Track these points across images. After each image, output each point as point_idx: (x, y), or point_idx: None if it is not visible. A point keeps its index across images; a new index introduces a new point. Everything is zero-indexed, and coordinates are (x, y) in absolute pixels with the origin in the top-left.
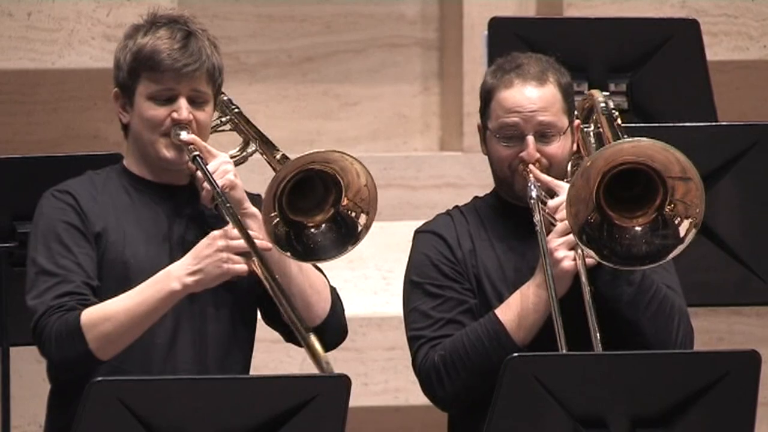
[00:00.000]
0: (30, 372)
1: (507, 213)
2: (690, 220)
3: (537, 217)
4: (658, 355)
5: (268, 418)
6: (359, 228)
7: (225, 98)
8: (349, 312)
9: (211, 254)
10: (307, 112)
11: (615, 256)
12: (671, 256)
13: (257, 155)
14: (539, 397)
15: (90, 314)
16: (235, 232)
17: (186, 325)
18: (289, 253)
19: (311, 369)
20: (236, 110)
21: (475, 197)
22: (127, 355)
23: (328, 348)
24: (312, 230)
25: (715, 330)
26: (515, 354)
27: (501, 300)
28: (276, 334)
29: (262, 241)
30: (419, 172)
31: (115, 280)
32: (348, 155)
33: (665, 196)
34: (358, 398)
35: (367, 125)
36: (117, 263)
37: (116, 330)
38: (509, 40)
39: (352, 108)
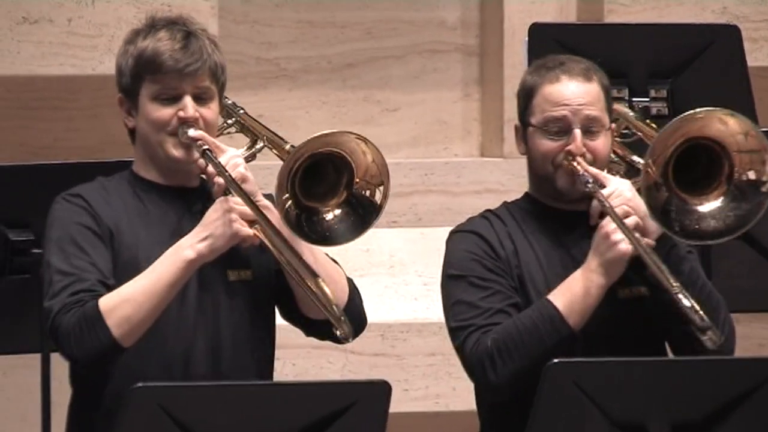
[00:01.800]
0: None
1: (544, 216)
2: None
3: (599, 201)
4: (698, 361)
5: (308, 424)
6: (378, 201)
7: (229, 102)
8: (389, 318)
9: (219, 217)
10: (348, 118)
11: (693, 234)
12: (754, 222)
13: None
14: (579, 403)
15: (107, 300)
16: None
17: (200, 325)
18: (301, 237)
19: (352, 375)
20: (242, 111)
21: (504, 202)
22: (144, 358)
23: (339, 342)
24: (327, 216)
25: (755, 336)
26: (555, 360)
27: None
28: (317, 341)
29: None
30: (460, 177)
31: (128, 281)
32: (353, 134)
33: (731, 167)
34: (398, 404)
35: (408, 131)
36: (130, 265)
37: (136, 311)
38: (549, 46)
39: (393, 114)
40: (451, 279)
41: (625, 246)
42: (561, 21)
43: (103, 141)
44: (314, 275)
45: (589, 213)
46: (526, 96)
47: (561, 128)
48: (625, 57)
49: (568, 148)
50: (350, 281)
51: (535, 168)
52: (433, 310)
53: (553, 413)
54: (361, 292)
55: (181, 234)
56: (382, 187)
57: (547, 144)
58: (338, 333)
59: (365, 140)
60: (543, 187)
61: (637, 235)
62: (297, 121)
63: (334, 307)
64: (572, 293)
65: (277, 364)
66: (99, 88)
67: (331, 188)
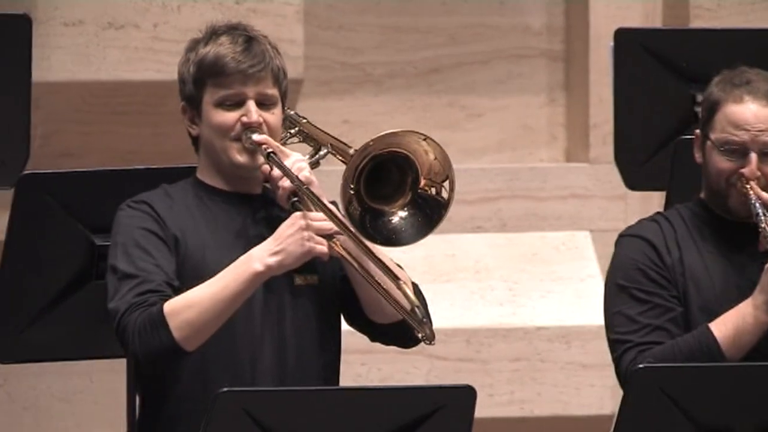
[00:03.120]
0: None
1: (715, 224)
2: None
3: (763, 233)
4: None
5: (393, 429)
6: (445, 197)
7: (291, 112)
8: (474, 323)
9: (294, 233)
10: (433, 123)
11: None
12: None
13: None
14: (665, 409)
15: (173, 303)
16: (316, 214)
17: (266, 330)
18: (366, 238)
19: (436, 380)
20: (304, 120)
21: (676, 206)
22: (211, 362)
23: (405, 346)
24: (393, 218)
25: None
26: (640, 365)
27: (704, 310)
28: None
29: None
30: (545, 183)
31: (194, 285)
32: (414, 133)
33: None
34: (483, 409)
35: (493, 136)
36: (196, 269)
37: (200, 316)
38: (635, 51)
39: (478, 119)
40: (614, 287)
41: None
42: (646, 26)
43: (189, 146)
44: (396, 278)
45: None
46: (710, 108)
47: (738, 150)
48: (711, 62)
49: (742, 171)
50: (415, 286)
51: (709, 181)
52: (519, 316)
53: (638, 419)
54: (425, 296)
55: (247, 239)
56: (447, 183)
57: (722, 163)
58: (420, 335)
59: (426, 138)
60: (715, 199)
61: None
62: (382, 126)
63: (417, 309)
64: (734, 326)
65: (362, 370)
66: None
67: (397, 189)
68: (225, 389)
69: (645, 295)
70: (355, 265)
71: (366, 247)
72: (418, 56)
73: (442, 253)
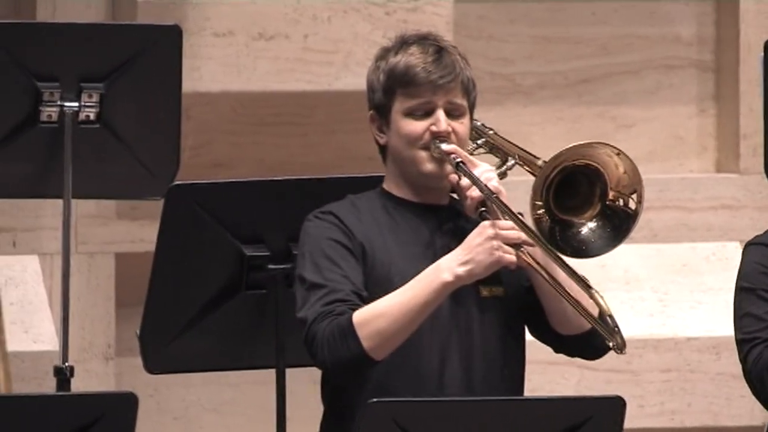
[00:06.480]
0: (305, 393)
1: None
2: None
3: None
4: None
5: None
6: (633, 208)
7: (478, 123)
8: (625, 334)
9: (482, 242)
10: (583, 133)
11: None
12: None
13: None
14: None
15: (362, 313)
16: (505, 223)
17: (453, 341)
18: (555, 249)
19: (586, 390)
20: (491, 131)
21: None
22: (397, 373)
23: (590, 358)
24: (582, 229)
25: None
26: None
27: None
28: (553, 355)
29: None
30: (695, 194)
31: (380, 297)
32: (603, 144)
33: None
34: (633, 420)
35: (643, 147)
36: (383, 281)
37: (390, 326)
38: None
39: (628, 130)
40: (741, 291)
41: None
42: None
43: (339, 157)
44: (588, 286)
45: None
46: None
47: None
48: None
49: None
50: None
51: None
52: (669, 326)
53: None
54: None
55: (434, 251)
56: (635, 195)
57: None
58: (611, 344)
59: (619, 152)
60: None
61: None
62: (532, 137)
63: (608, 318)
64: None
65: None
66: (334, 104)
67: (585, 201)
68: (374, 399)
69: None
70: (544, 274)
71: (556, 255)
72: (568, 66)
73: (593, 264)
